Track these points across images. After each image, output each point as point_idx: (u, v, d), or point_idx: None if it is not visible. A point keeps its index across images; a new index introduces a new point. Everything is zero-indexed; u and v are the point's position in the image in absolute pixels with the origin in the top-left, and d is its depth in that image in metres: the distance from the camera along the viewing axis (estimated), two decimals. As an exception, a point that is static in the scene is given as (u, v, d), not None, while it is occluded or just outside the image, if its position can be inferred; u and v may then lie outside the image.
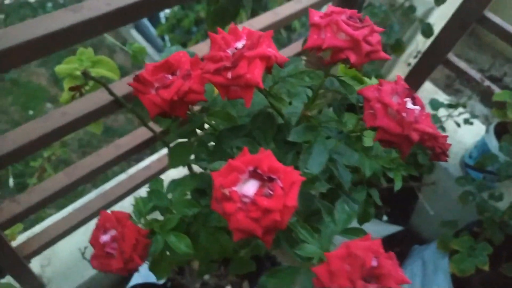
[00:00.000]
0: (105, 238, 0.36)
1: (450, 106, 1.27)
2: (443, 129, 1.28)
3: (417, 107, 0.34)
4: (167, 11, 2.07)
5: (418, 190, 1.37)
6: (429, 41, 1.37)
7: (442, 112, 1.29)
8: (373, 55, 0.34)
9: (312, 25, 0.34)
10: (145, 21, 2.35)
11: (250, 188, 0.29)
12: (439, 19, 1.47)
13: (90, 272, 1.10)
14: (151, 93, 0.35)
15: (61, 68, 0.96)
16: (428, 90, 1.57)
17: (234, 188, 0.29)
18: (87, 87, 0.94)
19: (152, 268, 0.43)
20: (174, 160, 0.43)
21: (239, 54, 0.31)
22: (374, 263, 0.29)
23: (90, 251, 0.99)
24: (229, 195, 0.29)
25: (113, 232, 0.36)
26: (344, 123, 0.39)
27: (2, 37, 0.58)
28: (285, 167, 0.30)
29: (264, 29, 1.03)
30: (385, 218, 1.44)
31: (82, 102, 0.79)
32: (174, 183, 0.43)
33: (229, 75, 0.31)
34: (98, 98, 0.78)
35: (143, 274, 1.10)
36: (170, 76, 0.35)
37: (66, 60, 0.98)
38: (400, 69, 1.62)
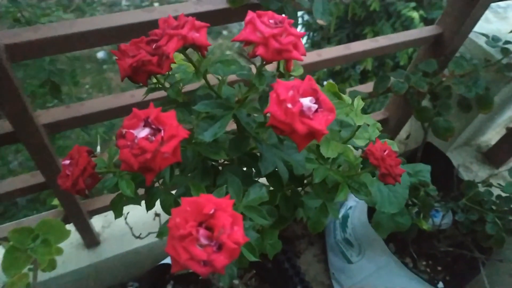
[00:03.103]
0: (66, 162, 0.47)
1: (536, 179, 1.13)
2: (521, 201, 1.14)
3: (315, 105, 0.38)
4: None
5: (482, 264, 1.23)
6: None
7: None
8: (284, 53, 0.39)
9: (244, 23, 0.41)
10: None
11: (142, 133, 0.37)
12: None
13: (139, 243, 1.25)
14: (125, 60, 0.46)
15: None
16: (527, 162, 1.40)
17: (132, 131, 0.37)
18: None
19: (111, 207, 0.53)
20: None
21: (163, 31, 0.40)
22: (211, 212, 0.34)
23: (139, 227, 1.12)
24: (124, 134, 0.37)
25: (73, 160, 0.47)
26: (265, 115, 0.44)
27: (91, 22, 0.76)
28: (172, 123, 0.37)
29: (332, 60, 1.09)
30: (441, 285, 1.31)
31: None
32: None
33: (154, 46, 0.40)
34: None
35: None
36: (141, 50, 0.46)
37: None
38: (496, 132, 1.48)
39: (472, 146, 1.46)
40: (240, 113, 0.44)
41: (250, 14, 0.40)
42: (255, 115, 0.45)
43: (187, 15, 0.81)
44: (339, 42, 3.35)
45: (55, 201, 1.04)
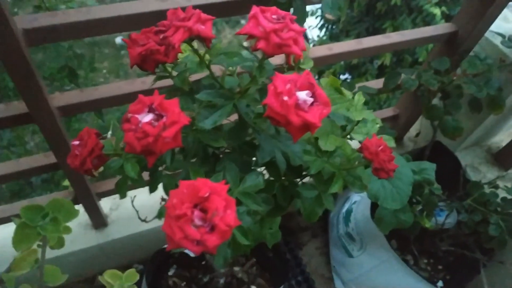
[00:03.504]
0: (76, 142, 0.50)
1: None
2: (526, 205, 1.14)
3: (310, 99, 0.39)
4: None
5: (483, 265, 1.23)
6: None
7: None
8: (284, 48, 0.41)
9: (248, 18, 0.42)
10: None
11: (146, 118, 0.39)
12: None
13: (144, 227, 1.28)
14: (134, 48, 0.48)
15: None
16: (537, 165, 1.39)
17: (136, 115, 0.39)
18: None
19: (116, 187, 0.56)
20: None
21: (171, 23, 0.42)
22: (206, 195, 0.36)
23: (146, 211, 1.15)
24: (129, 119, 0.39)
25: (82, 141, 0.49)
26: (264, 106, 0.46)
27: (105, 9, 0.78)
28: (175, 110, 0.39)
29: (343, 55, 1.09)
30: (440, 283, 1.32)
31: (161, 78, 0.97)
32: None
33: (161, 36, 0.42)
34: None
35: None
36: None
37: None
38: (508, 133, 1.47)
39: (483, 147, 1.45)
40: (240, 103, 0.46)
41: (254, 9, 0.42)
42: (259, 106, 0.47)
43: (199, 6, 0.83)
44: (358, 36, 3.30)
45: (67, 182, 1.07)
